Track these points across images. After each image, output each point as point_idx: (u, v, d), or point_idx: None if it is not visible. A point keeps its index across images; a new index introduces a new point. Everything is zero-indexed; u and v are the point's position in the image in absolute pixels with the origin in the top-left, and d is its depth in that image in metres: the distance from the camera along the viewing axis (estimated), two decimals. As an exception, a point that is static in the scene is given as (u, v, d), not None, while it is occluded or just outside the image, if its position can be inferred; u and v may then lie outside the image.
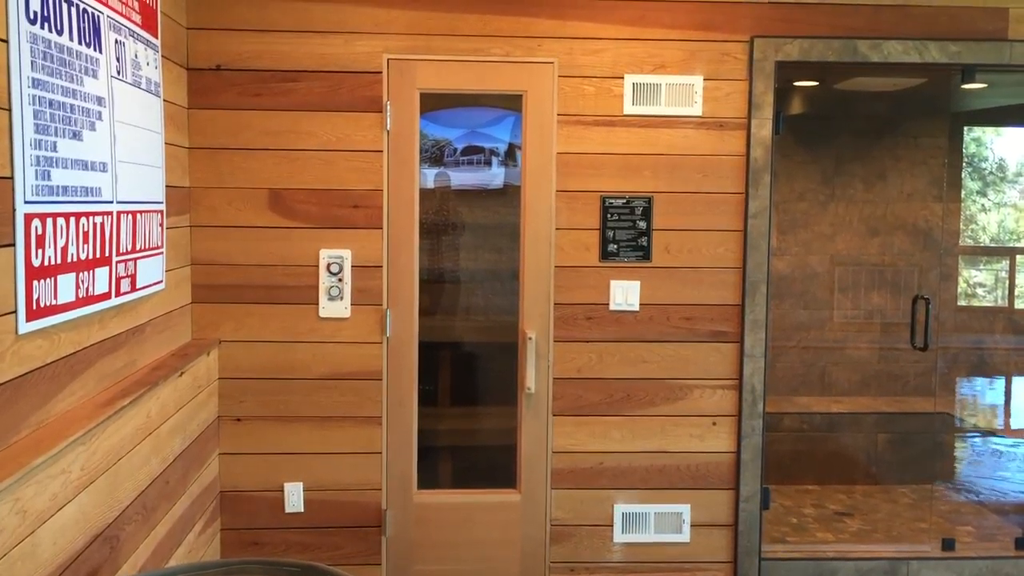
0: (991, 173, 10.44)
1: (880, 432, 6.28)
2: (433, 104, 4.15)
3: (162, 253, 3.30)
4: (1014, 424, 6.78)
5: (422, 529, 3.93)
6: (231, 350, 3.82)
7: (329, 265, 3.81)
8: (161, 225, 3.28)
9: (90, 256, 2.57)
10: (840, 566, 4.04)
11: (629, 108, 3.87)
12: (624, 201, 3.92)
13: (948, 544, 4.17)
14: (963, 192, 7.93)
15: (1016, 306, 7.72)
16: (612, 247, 3.93)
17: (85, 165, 2.53)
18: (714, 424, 3.99)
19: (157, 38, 3.24)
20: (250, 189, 3.79)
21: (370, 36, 3.77)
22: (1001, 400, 7.42)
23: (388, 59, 3.78)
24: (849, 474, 5.91)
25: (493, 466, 4.20)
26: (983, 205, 10.49)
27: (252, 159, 3.78)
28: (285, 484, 3.87)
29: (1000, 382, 7.49)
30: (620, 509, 3.97)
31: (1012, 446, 6.30)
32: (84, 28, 2.53)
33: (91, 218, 2.57)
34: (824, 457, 6.14)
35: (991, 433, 6.62)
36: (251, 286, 3.81)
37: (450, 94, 3.94)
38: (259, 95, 3.75)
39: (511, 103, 3.95)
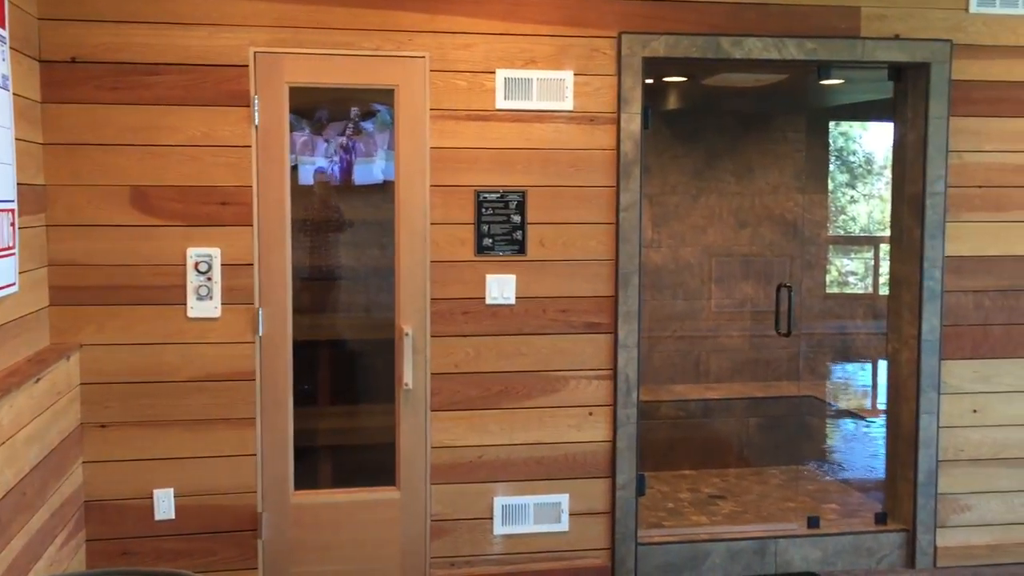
0: (859, 166, 10.92)
1: (751, 416, 6.51)
2: (309, 98, 4.08)
3: (14, 254, 3.14)
4: (877, 405, 7.12)
5: (300, 531, 3.86)
6: (94, 354, 3.67)
7: (197, 264, 3.70)
8: (12, 225, 3.13)
9: (-70, 258, 2.42)
10: (712, 547, 4.17)
11: (501, 103, 3.89)
12: (498, 195, 3.93)
13: (813, 522, 4.35)
14: (832, 184, 8.27)
15: (881, 292, 8.10)
16: (487, 241, 3.94)
17: (-78, 162, 2.39)
18: (590, 414, 4.05)
19: (4, 29, 3.08)
20: (111, 186, 3.64)
21: (235, 28, 3.67)
22: (865, 382, 7.79)
23: (254, 52, 3.69)
24: (723, 458, 6.11)
25: (373, 464, 4.17)
26: (852, 197, 10.96)
27: (113, 155, 3.63)
28: (155, 491, 3.74)
29: (863, 365, 7.86)
30: (500, 501, 4.00)
31: (868, 425, 6.62)
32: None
33: (-70, 218, 2.43)
34: (699, 442, 6.32)
35: (856, 415, 6.93)
36: (114, 287, 3.67)
37: (327, 88, 3.88)
38: (118, 89, 3.61)
39: (385, 98, 3.92)
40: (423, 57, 3.82)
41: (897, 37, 4.10)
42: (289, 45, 3.72)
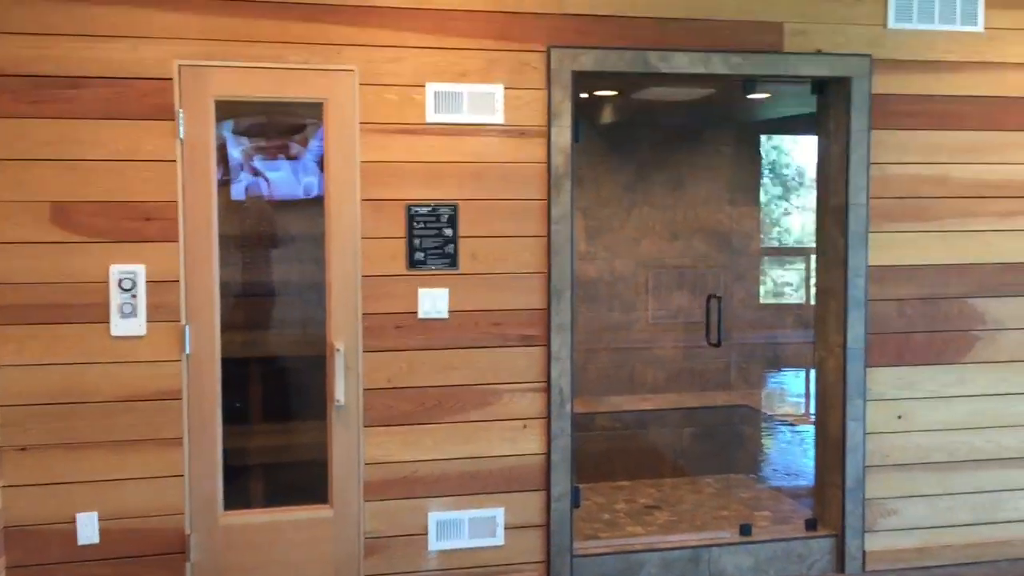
0: (792, 179, 11.15)
1: (686, 426, 6.58)
2: (239, 112, 4.03)
3: (-74, 273, 3.03)
4: (809, 413, 7.25)
5: (230, 552, 3.79)
6: (12, 375, 3.56)
7: (121, 281, 3.62)
8: (-76, 242, 3.02)
9: None
10: (647, 557, 4.19)
11: (432, 116, 3.89)
12: (430, 209, 3.92)
13: (746, 530, 4.40)
14: (766, 197, 8.42)
15: (813, 303, 8.25)
16: (419, 255, 3.92)
17: None
18: (524, 427, 4.05)
19: (-86, 39, 2.98)
20: (30, 202, 3.55)
21: (159, 41, 3.61)
22: (798, 390, 7.93)
23: (179, 65, 3.63)
24: (659, 468, 6.16)
25: (305, 482, 4.10)
26: (786, 209, 11.18)
27: (32, 170, 3.54)
28: (77, 515, 3.64)
29: (796, 373, 8.00)
30: (435, 517, 3.97)
31: (800, 433, 6.73)
32: None
33: None
34: (635, 453, 6.37)
35: (788, 422, 7.05)
36: (34, 306, 3.56)
37: (256, 102, 3.83)
38: (37, 102, 3.52)
39: (315, 111, 3.88)
40: (352, 71, 3.80)
41: (819, 52, 4.20)
42: (215, 58, 3.66)
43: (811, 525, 4.45)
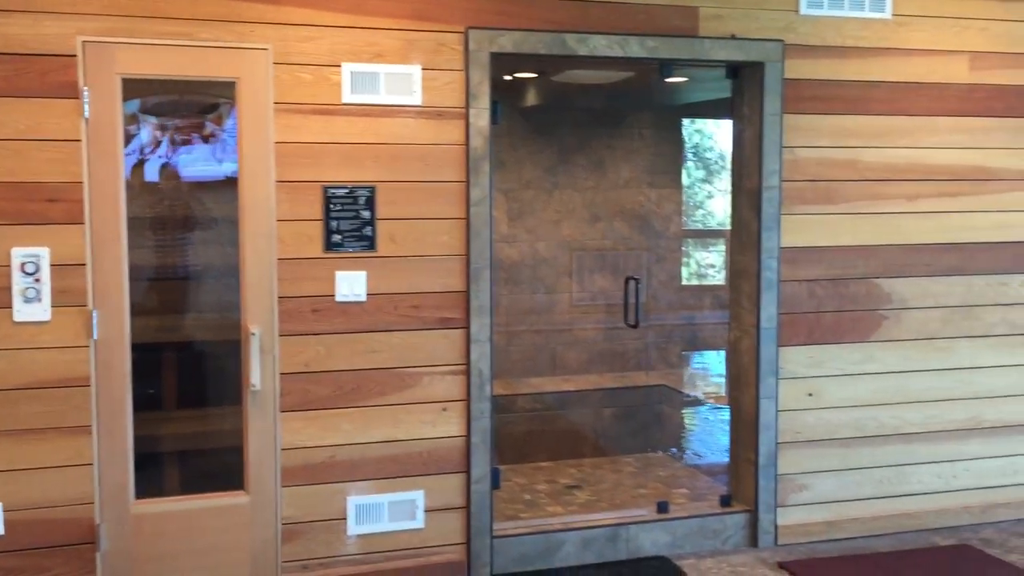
0: (715, 162, 11.31)
1: (607, 407, 6.66)
2: (150, 91, 3.92)
3: None
4: (724, 391, 7.40)
5: (142, 541, 3.71)
6: (-92, 363, 3.42)
7: (23, 265, 3.50)
8: None
9: None
10: (566, 537, 4.24)
11: (348, 97, 3.83)
12: (347, 191, 3.88)
13: (663, 507, 4.48)
14: (689, 180, 8.51)
15: (732, 283, 8.38)
16: (336, 238, 3.88)
17: None
18: (444, 410, 4.05)
19: None
20: (-75, 183, 3.40)
21: (62, 16, 3.48)
22: (716, 369, 8.09)
23: (83, 42, 3.51)
24: (580, 448, 6.23)
25: (221, 469, 4.04)
26: (709, 192, 11.34)
27: (-75, 149, 3.39)
28: (-20, 507, 3.52)
29: (715, 353, 8.15)
30: (353, 501, 3.94)
31: (718, 411, 6.88)
32: None
33: None
34: (557, 434, 6.42)
35: (706, 401, 7.18)
36: (-70, 291, 3.43)
37: (168, 80, 3.73)
38: (-70, 78, 3.37)
39: (227, 91, 3.79)
40: (266, 49, 3.72)
41: (733, 37, 4.26)
42: (121, 35, 3.55)
43: (726, 501, 4.55)
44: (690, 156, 8.78)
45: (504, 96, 6.92)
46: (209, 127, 4.24)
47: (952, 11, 4.54)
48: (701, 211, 11.29)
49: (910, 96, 4.51)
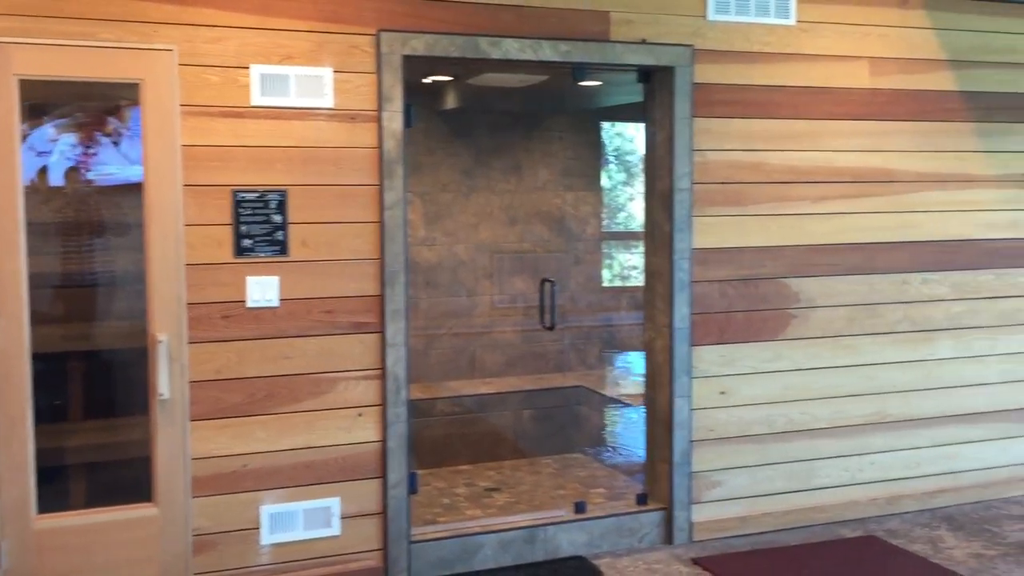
0: (636, 165, 11.44)
1: (526, 409, 6.68)
2: (52, 93, 3.80)
3: None
4: (642, 391, 7.47)
5: (45, 558, 3.59)
6: None
7: (-86, 273, 3.35)
8: None
9: None
10: (485, 540, 4.24)
11: (258, 99, 3.78)
12: (258, 195, 3.82)
13: (580, 507, 4.52)
14: (611, 183, 8.58)
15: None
16: (247, 242, 3.82)
17: None
18: (360, 415, 4.01)
19: None
20: None
21: (-46, 14, 3.36)
22: (635, 370, 8.18)
23: (-23, 41, 3.39)
24: (499, 451, 6.23)
25: (129, 480, 3.93)
26: (631, 195, 11.46)
27: None
28: None
29: (634, 354, 8.24)
30: (267, 510, 3.88)
31: (636, 411, 6.96)
32: None
33: None
34: (476, 437, 6.42)
35: (624, 402, 7.25)
36: None
37: (70, 82, 3.62)
38: None
39: (131, 93, 3.70)
40: (171, 50, 3.64)
41: (644, 41, 4.32)
42: (17, 34, 3.44)
43: (642, 500, 4.60)
44: (612, 159, 8.86)
45: (423, 99, 6.90)
46: (115, 129, 4.13)
47: (853, 18, 4.68)
48: (624, 213, 11.42)
49: (814, 100, 4.64)
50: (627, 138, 11.23)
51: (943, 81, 4.87)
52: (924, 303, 4.92)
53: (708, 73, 4.45)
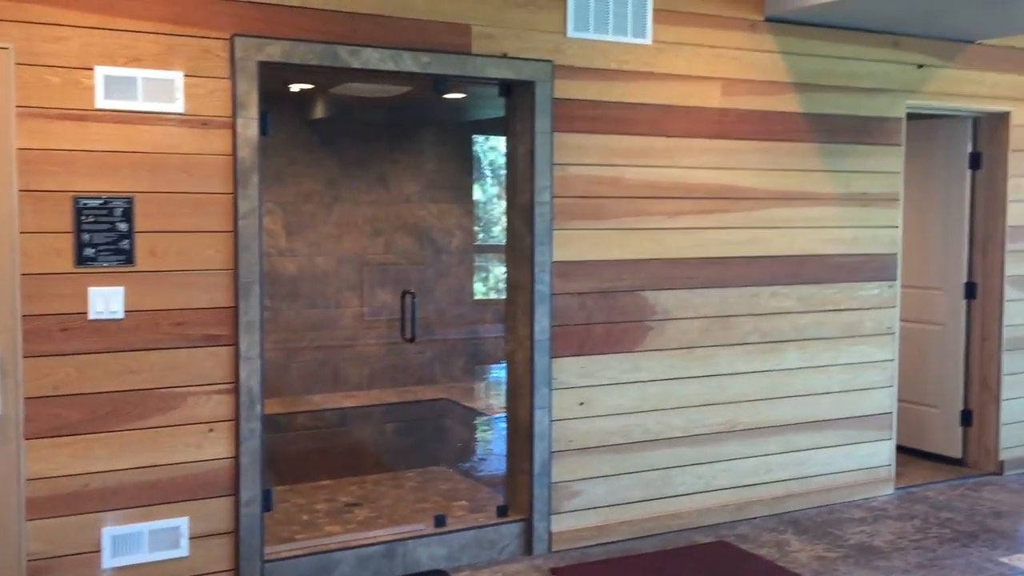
0: (509, 179, 11.50)
1: (388, 422, 6.62)
2: None
3: None
4: (503, 404, 7.51)
5: None
6: None
7: None
8: None
9: None
10: (342, 556, 4.16)
11: (102, 102, 3.62)
12: (102, 202, 3.65)
13: (440, 520, 4.49)
14: (486, 196, 8.58)
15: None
16: (89, 251, 3.64)
17: None
18: (211, 431, 3.88)
19: None
20: None
21: None
22: (499, 382, 8.21)
23: None
24: (361, 465, 6.14)
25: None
26: (505, 208, 11.51)
27: None
28: None
29: (499, 366, 8.27)
30: (109, 532, 3.70)
31: (499, 423, 6.99)
32: None
33: None
34: (338, 451, 6.31)
35: (487, 414, 7.27)
36: None
37: None
38: None
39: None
40: (7, 48, 3.45)
41: (505, 56, 4.35)
42: None
43: (502, 511, 4.61)
44: (487, 172, 8.89)
45: (290, 108, 6.76)
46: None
47: (707, 40, 4.85)
48: (499, 227, 11.50)
49: (669, 118, 4.77)
50: (500, 152, 11.32)
51: (790, 103, 5.09)
52: (773, 315, 5.12)
53: (568, 89, 4.52)
